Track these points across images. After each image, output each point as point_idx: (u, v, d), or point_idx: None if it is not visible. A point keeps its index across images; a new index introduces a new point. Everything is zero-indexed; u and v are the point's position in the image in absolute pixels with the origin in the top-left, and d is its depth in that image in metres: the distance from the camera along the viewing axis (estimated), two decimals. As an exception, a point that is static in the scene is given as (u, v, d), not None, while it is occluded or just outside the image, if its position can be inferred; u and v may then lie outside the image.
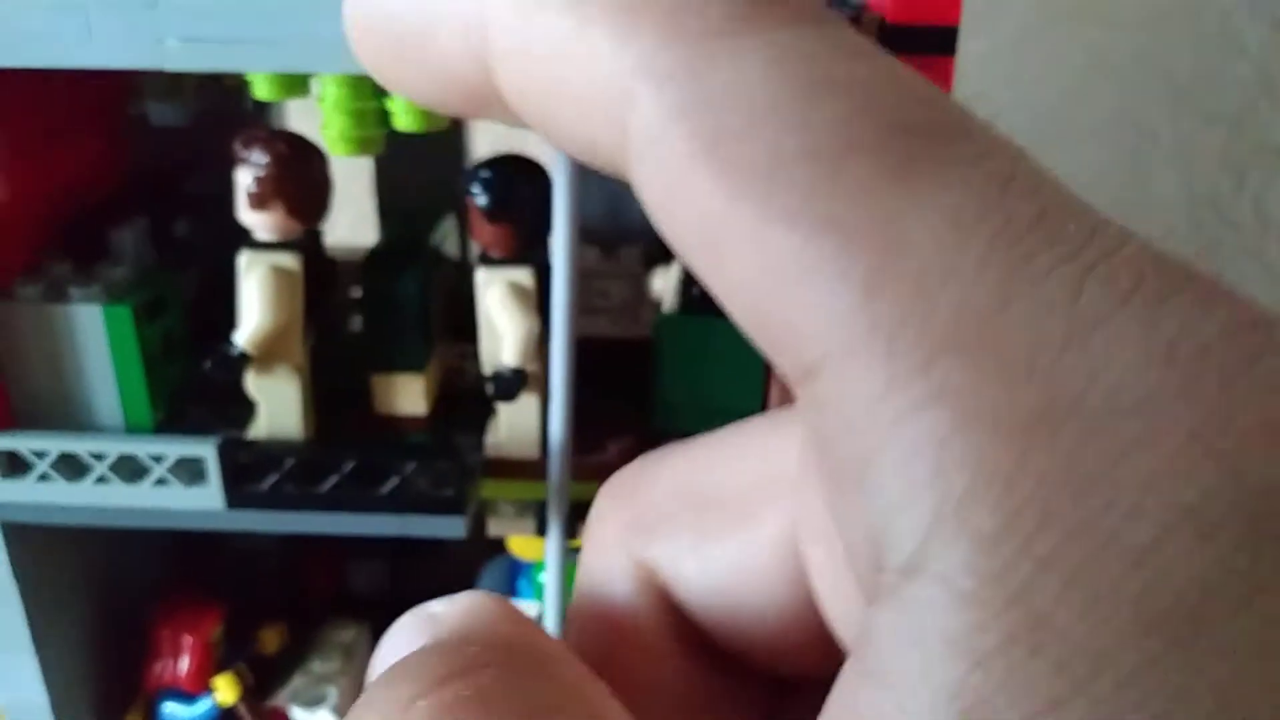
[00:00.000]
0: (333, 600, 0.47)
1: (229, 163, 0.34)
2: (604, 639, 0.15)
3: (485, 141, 0.47)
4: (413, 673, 0.12)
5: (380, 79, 0.14)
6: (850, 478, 0.10)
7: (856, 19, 0.29)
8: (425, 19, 0.12)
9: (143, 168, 0.41)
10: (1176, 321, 0.09)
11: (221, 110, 0.38)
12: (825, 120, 0.10)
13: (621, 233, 0.42)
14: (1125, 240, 0.10)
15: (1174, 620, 0.08)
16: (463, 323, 0.38)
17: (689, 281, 0.37)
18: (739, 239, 0.10)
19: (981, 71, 0.59)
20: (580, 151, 0.12)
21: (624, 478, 0.16)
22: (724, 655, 0.15)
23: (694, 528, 0.14)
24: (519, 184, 0.35)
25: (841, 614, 0.13)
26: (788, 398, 0.36)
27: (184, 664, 0.39)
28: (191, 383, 0.37)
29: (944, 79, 0.30)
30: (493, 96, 0.12)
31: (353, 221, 0.56)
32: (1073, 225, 0.10)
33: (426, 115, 0.31)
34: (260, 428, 0.34)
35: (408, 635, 0.13)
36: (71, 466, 0.34)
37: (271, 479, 0.33)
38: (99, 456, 0.33)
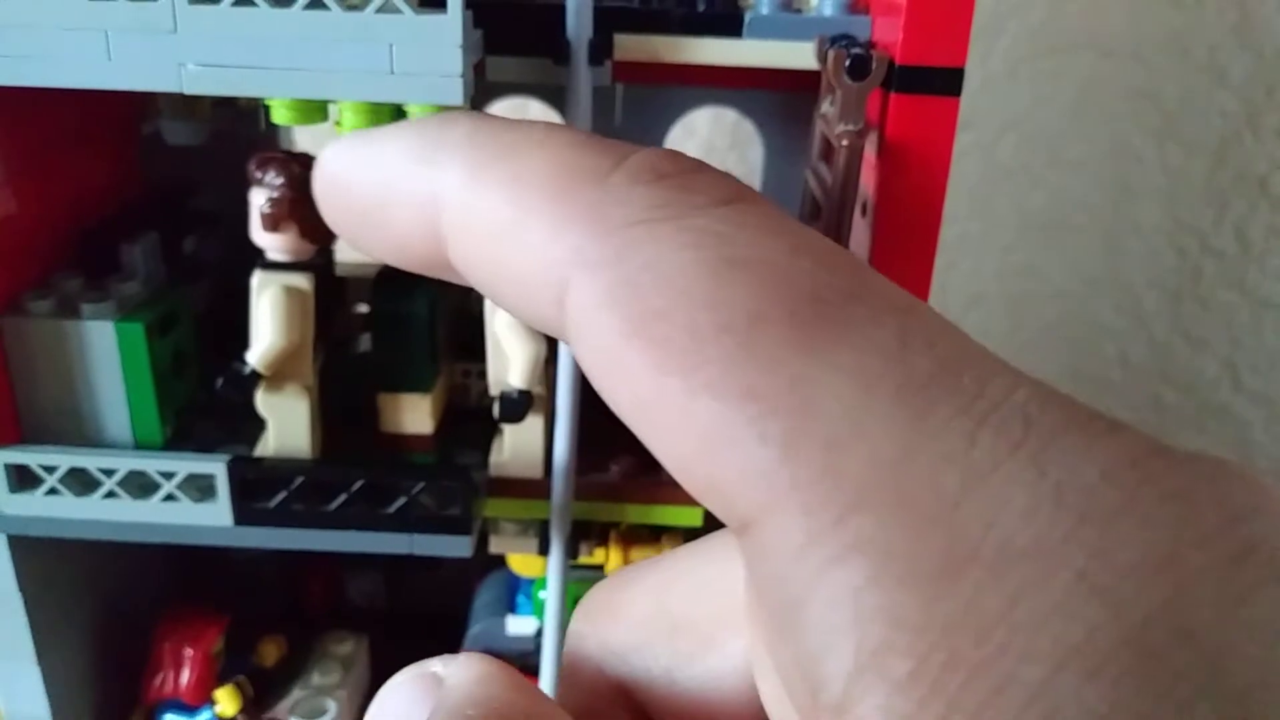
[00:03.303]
0: (331, 612, 0.47)
1: (240, 180, 0.34)
2: None
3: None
4: None
5: (344, 239, 0.15)
6: (785, 621, 0.11)
7: (866, 59, 0.30)
8: (384, 196, 0.14)
9: (155, 185, 0.41)
10: (1062, 466, 0.10)
11: (235, 130, 0.39)
12: (734, 297, 0.11)
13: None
14: (1016, 387, 0.11)
15: None
16: (467, 342, 0.39)
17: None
18: (669, 410, 0.11)
19: (972, 100, 0.60)
20: (525, 319, 0.13)
21: (598, 600, 0.16)
22: None
23: (665, 654, 0.15)
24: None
25: None
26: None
27: (185, 676, 0.39)
28: (200, 399, 0.37)
29: (949, 119, 0.30)
30: (446, 265, 0.13)
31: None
32: (967, 376, 0.11)
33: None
34: (269, 445, 0.35)
35: (411, 697, 0.13)
36: (81, 481, 0.34)
37: (280, 496, 0.34)
38: (109, 472, 0.34)
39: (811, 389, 0.10)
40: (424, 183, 0.13)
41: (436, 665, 0.14)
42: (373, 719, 0.14)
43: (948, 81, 0.30)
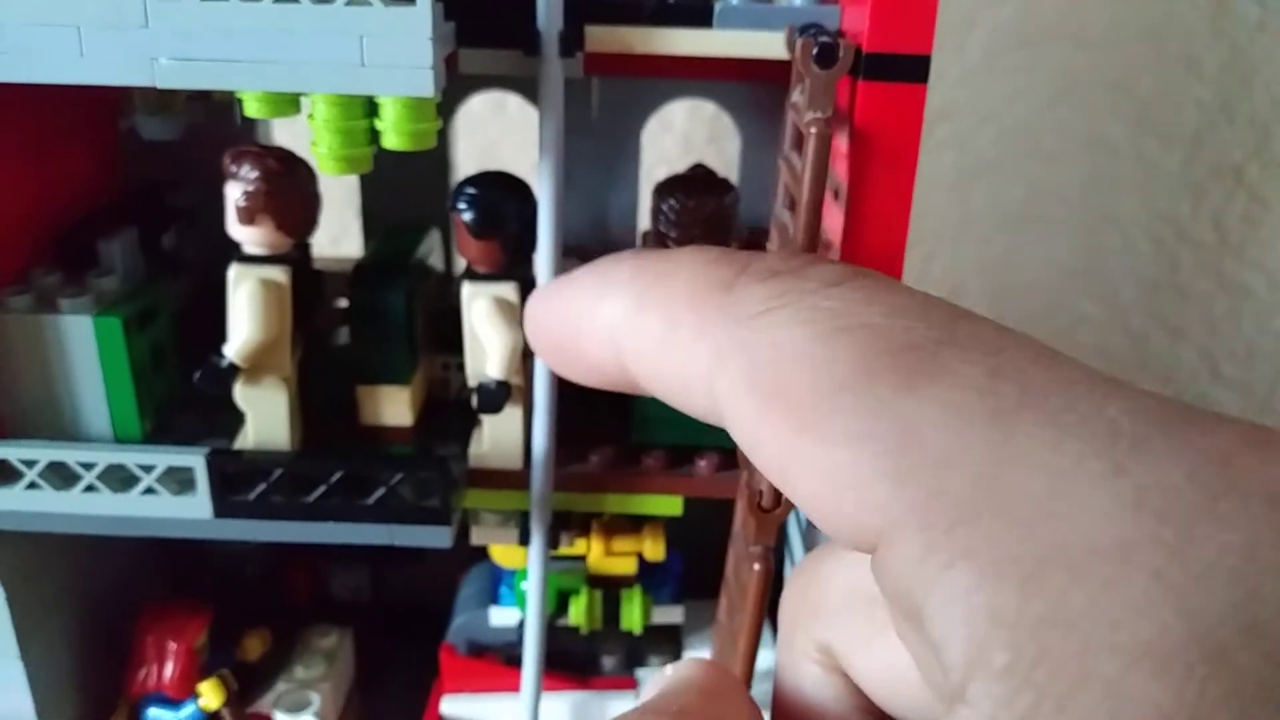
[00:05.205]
0: (314, 605, 0.47)
1: (217, 175, 0.34)
2: (800, 711, 0.18)
3: (469, 159, 0.48)
4: None
5: (549, 366, 0.18)
6: (913, 619, 0.12)
7: (833, 46, 0.30)
8: (576, 331, 0.17)
9: (132, 180, 0.42)
10: (1146, 468, 0.11)
11: (211, 125, 0.39)
12: (844, 358, 0.13)
13: (601, 244, 0.43)
14: (1107, 402, 0.12)
15: None
16: (447, 334, 0.39)
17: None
18: (803, 463, 0.13)
19: (949, 93, 0.60)
20: (699, 415, 0.16)
21: (806, 570, 0.19)
22: None
23: (862, 625, 0.17)
24: (505, 201, 0.35)
25: None
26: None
27: (169, 670, 0.39)
28: (179, 393, 0.37)
29: (916, 106, 0.31)
30: (631, 379, 0.17)
31: (334, 231, 0.57)
32: (1055, 397, 0.12)
33: (414, 135, 0.31)
34: (248, 438, 0.35)
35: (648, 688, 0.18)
36: (60, 475, 0.34)
37: (259, 489, 0.34)
38: (88, 466, 0.34)
39: (916, 425, 0.12)
40: (604, 317, 0.17)
41: (669, 668, 0.18)
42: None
43: (914, 69, 0.30)
